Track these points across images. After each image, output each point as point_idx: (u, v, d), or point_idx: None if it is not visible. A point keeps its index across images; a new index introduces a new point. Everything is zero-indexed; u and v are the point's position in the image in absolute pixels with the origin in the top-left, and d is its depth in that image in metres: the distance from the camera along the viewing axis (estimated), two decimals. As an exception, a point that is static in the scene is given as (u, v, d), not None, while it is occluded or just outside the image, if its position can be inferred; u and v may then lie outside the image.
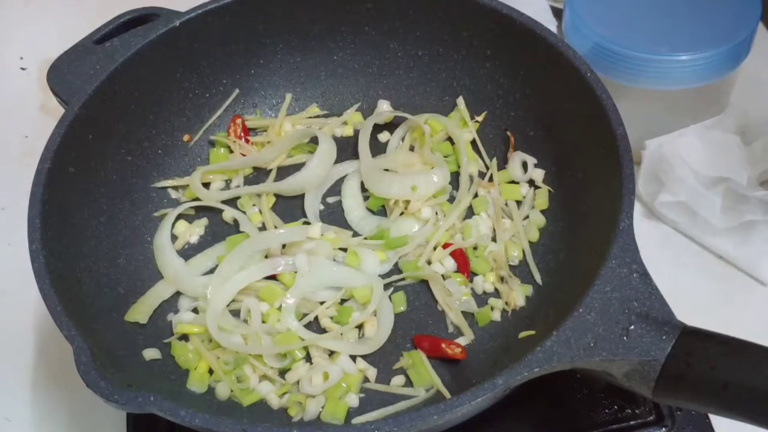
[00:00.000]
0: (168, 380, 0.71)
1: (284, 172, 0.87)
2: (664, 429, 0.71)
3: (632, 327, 0.59)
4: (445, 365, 0.73)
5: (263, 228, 0.82)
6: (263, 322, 0.75)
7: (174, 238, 0.82)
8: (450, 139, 0.87)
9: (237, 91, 0.90)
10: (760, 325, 0.80)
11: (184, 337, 0.75)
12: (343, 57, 0.91)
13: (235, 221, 0.82)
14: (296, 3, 0.86)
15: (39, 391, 0.79)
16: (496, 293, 0.78)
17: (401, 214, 0.82)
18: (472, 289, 0.78)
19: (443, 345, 0.72)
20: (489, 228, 0.81)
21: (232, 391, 0.71)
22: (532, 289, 0.77)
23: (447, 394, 0.69)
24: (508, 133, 0.86)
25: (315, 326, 0.76)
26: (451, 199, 0.83)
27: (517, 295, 0.76)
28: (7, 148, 1.00)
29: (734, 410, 0.56)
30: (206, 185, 0.85)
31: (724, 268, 0.85)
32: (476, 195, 0.83)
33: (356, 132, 0.89)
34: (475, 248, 0.80)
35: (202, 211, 0.84)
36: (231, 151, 0.88)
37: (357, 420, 0.69)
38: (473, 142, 0.87)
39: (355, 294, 0.76)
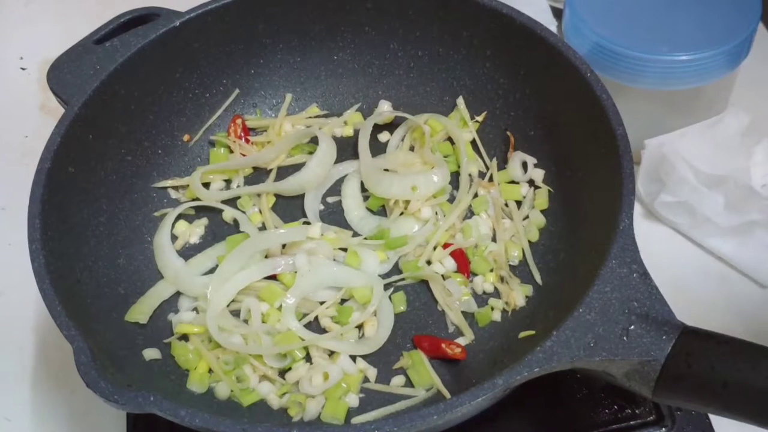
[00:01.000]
0: (168, 380, 0.71)
1: (284, 172, 0.87)
2: (664, 429, 0.71)
3: (632, 327, 0.59)
4: (445, 365, 0.73)
5: (263, 228, 0.82)
6: (263, 322, 0.75)
7: (174, 238, 0.82)
8: (450, 139, 0.87)
9: (237, 91, 0.90)
10: (760, 326, 0.80)
11: (184, 337, 0.75)
12: (343, 57, 0.91)
13: (235, 221, 0.82)
14: (296, 3, 0.86)
15: (39, 391, 0.79)
16: (496, 293, 0.78)
17: (401, 214, 0.82)
18: (472, 289, 0.78)
19: (443, 345, 0.72)
20: (489, 228, 0.81)
21: (232, 391, 0.71)
22: (532, 289, 0.77)
23: (447, 394, 0.69)
24: (508, 133, 0.86)
25: (315, 326, 0.76)
26: (451, 199, 0.83)
27: (517, 295, 0.76)
28: (7, 148, 1.00)
29: (734, 410, 0.56)
30: (206, 185, 0.86)
31: (724, 269, 0.85)
32: (476, 195, 0.83)
33: (356, 132, 0.89)
34: (475, 248, 0.80)
35: (202, 211, 0.84)
36: (231, 151, 0.88)
37: (357, 420, 0.69)
38: (473, 142, 0.87)
39: (355, 294, 0.76)
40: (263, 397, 0.71)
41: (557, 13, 0.99)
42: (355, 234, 0.82)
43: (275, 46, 0.89)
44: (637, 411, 0.72)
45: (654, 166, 0.86)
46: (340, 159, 0.87)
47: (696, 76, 0.83)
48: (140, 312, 0.75)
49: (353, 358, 0.73)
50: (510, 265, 0.79)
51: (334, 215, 0.84)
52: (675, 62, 0.81)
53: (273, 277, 0.78)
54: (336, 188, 0.86)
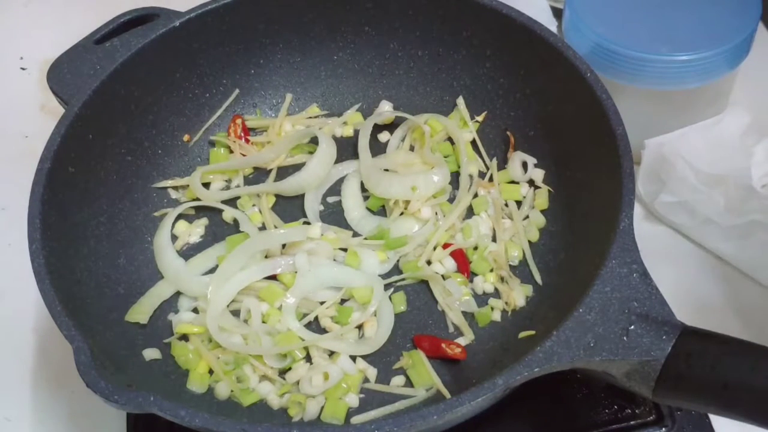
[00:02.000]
0: (168, 380, 0.71)
1: (284, 172, 0.87)
2: (664, 429, 0.71)
3: (632, 327, 0.59)
4: (445, 365, 0.73)
5: (263, 228, 0.82)
6: (263, 322, 0.75)
7: (174, 238, 0.82)
8: (450, 139, 0.87)
9: (237, 91, 0.90)
10: (760, 326, 0.80)
11: (184, 337, 0.75)
12: (343, 57, 0.91)
13: (235, 221, 0.82)
14: (296, 3, 0.86)
15: (39, 391, 0.79)
16: (496, 293, 0.78)
17: (401, 214, 0.82)
18: (472, 289, 0.78)
19: (443, 345, 0.72)
20: (489, 228, 0.81)
21: (232, 391, 0.71)
22: (532, 289, 0.77)
23: (447, 394, 0.69)
24: (508, 133, 0.86)
25: (315, 326, 0.76)
26: (451, 199, 0.83)
27: (517, 295, 0.76)
28: (7, 148, 1.00)
29: (734, 410, 0.56)
30: (206, 185, 0.86)
31: (724, 269, 0.85)
32: (476, 195, 0.83)
33: (356, 132, 0.89)
34: (475, 248, 0.80)
35: (202, 211, 0.85)
36: (231, 151, 0.88)
37: (356, 419, 0.69)
38: (473, 142, 0.87)
39: (355, 294, 0.76)
40: (263, 397, 0.71)
41: (557, 13, 0.99)
42: (355, 234, 0.82)
43: (275, 46, 0.89)
44: (637, 411, 0.72)
45: (654, 166, 0.86)
46: (340, 159, 0.87)
47: (696, 76, 0.83)
48: (140, 312, 0.75)
49: (353, 358, 0.73)
50: (510, 265, 0.79)
51: (334, 215, 0.84)
52: (675, 62, 0.81)
53: (273, 277, 0.78)
54: (336, 188, 0.86)
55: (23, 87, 1.08)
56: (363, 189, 0.85)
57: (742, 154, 0.85)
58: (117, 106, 0.79)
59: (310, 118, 0.91)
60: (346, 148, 0.88)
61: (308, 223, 0.82)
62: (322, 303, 0.76)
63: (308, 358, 0.73)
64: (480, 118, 0.87)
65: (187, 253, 0.82)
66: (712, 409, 0.59)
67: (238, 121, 0.89)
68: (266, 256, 0.79)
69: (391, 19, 0.87)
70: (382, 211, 0.84)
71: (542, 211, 0.81)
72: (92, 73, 0.78)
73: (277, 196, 0.85)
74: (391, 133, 0.89)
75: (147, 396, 0.57)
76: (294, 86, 0.92)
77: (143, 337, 0.74)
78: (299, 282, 0.76)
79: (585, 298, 0.60)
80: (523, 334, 0.71)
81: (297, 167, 0.86)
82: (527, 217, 0.81)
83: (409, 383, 0.72)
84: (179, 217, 0.83)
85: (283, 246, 0.79)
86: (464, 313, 0.76)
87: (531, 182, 0.84)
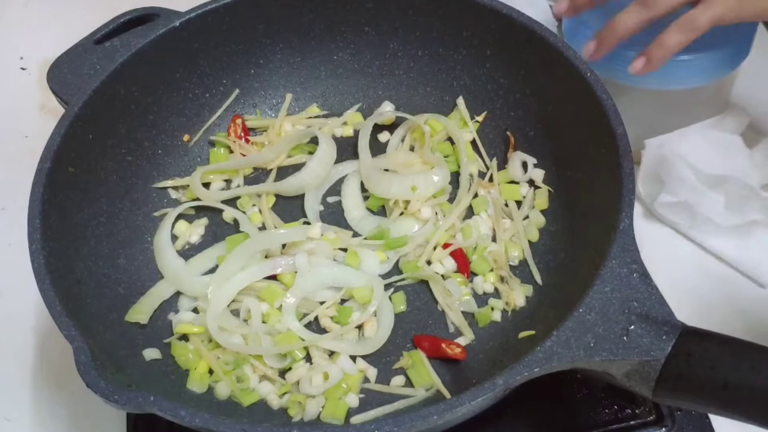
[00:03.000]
0: (168, 380, 0.71)
1: (284, 172, 0.87)
2: (664, 429, 0.71)
3: (632, 327, 0.59)
4: (445, 365, 0.73)
5: (263, 228, 0.82)
6: (263, 322, 0.75)
7: (174, 238, 0.82)
8: (450, 139, 0.87)
9: (237, 91, 0.90)
10: (761, 326, 0.80)
11: (184, 337, 0.75)
12: (343, 57, 0.91)
13: (235, 221, 0.82)
14: (296, 3, 0.86)
15: (39, 391, 0.79)
16: (496, 293, 0.78)
17: (401, 214, 0.82)
18: (472, 289, 0.78)
19: (443, 345, 0.72)
20: (489, 228, 0.81)
21: (232, 391, 0.71)
22: (532, 289, 0.77)
23: (447, 394, 0.69)
24: (508, 133, 0.86)
25: (315, 326, 0.76)
26: (451, 199, 0.83)
27: (517, 295, 0.76)
28: (7, 148, 1.00)
29: (734, 410, 0.56)
30: (206, 185, 0.85)
31: (724, 269, 0.85)
32: (476, 195, 0.83)
33: (356, 132, 0.89)
34: (475, 248, 0.80)
35: (202, 211, 0.84)
36: (231, 151, 0.88)
37: (356, 419, 0.69)
38: (473, 142, 0.87)
39: (355, 294, 0.76)
40: (263, 397, 0.71)
41: (557, 13, 0.99)
42: (355, 234, 0.82)
43: (275, 46, 0.89)
44: (637, 411, 0.72)
45: (654, 166, 0.86)
46: (340, 159, 0.87)
47: (696, 76, 0.83)
48: (140, 312, 0.75)
49: (353, 358, 0.73)
50: (510, 265, 0.79)
51: (334, 215, 0.84)
52: (675, 62, 0.80)
53: (273, 277, 0.78)
54: (336, 188, 0.86)
55: (23, 87, 1.08)
56: (363, 189, 0.85)
57: (742, 154, 0.85)
58: (117, 106, 0.79)
59: (310, 118, 0.91)
60: (346, 148, 0.88)
61: (308, 223, 0.82)
62: (322, 303, 0.76)
63: (308, 358, 0.73)
64: (480, 118, 0.87)
65: (187, 253, 0.82)
66: (712, 409, 0.59)
67: (238, 121, 0.89)
68: (266, 256, 0.79)
69: (391, 19, 0.87)
70: (382, 211, 0.84)
71: (542, 211, 0.81)
72: (92, 73, 0.78)
73: (277, 196, 0.85)
74: (391, 133, 0.89)
75: (147, 396, 0.57)
76: (294, 86, 0.92)
77: (143, 337, 0.74)
78: (299, 282, 0.76)
79: (585, 298, 0.60)
80: (523, 334, 0.71)
81: (297, 167, 0.86)
82: (527, 217, 0.81)
83: (409, 383, 0.72)
84: (179, 217, 0.83)
85: (283, 246, 0.79)
86: (464, 313, 0.76)
87: (531, 182, 0.84)
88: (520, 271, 0.78)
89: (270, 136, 0.89)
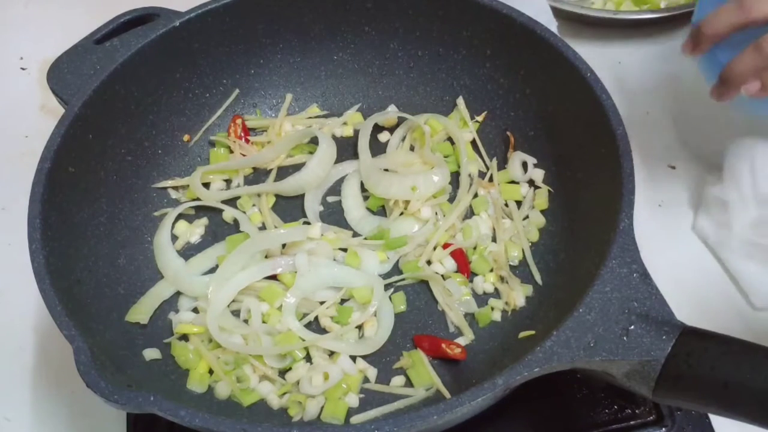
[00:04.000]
0: (168, 380, 0.72)
1: (284, 172, 0.87)
2: (664, 429, 0.71)
3: (632, 327, 0.59)
4: (445, 365, 0.73)
5: (263, 228, 0.82)
6: (264, 322, 0.75)
7: (174, 238, 0.82)
8: (450, 139, 0.87)
9: (237, 91, 0.90)
10: (760, 326, 0.80)
11: (184, 337, 0.75)
12: (343, 57, 0.91)
13: (235, 221, 0.82)
14: (296, 3, 0.86)
15: (39, 391, 0.79)
16: (496, 293, 0.78)
17: (401, 214, 0.82)
18: (472, 289, 0.78)
19: (443, 345, 0.72)
20: (489, 228, 0.81)
21: (232, 391, 0.71)
22: (532, 289, 0.77)
23: (447, 394, 0.69)
24: (508, 133, 0.86)
25: (315, 326, 0.76)
26: (451, 199, 0.83)
27: (517, 295, 0.76)
28: (7, 148, 1.00)
29: (734, 410, 0.56)
30: (206, 185, 0.85)
31: (724, 269, 0.85)
32: (476, 195, 0.83)
33: (356, 132, 0.89)
34: (475, 248, 0.80)
35: (202, 211, 0.84)
36: (231, 151, 0.88)
37: (356, 419, 0.69)
38: (473, 142, 0.87)
39: (355, 294, 0.76)
40: (263, 397, 0.71)
41: (557, 13, 0.99)
42: (355, 234, 0.82)
43: (275, 46, 0.89)
44: (637, 411, 0.72)
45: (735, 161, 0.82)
46: (340, 159, 0.87)
47: None
48: (140, 312, 0.75)
49: (353, 358, 0.73)
50: (510, 265, 0.79)
51: (334, 215, 0.84)
52: None
53: (273, 277, 0.78)
54: (336, 188, 0.86)
55: (23, 87, 1.08)
56: (363, 189, 0.85)
57: None
58: (117, 106, 0.79)
59: (310, 118, 0.91)
60: (346, 148, 0.88)
61: (308, 223, 0.82)
62: (322, 303, 0.76)
63: (308, 358, 0.73)
64: (480, 118, 0.87)
65: (187, 253, 0.81)
66: (712, 409, 0.59)
67: (238, 121, 0.89)
68: (266, 256, 0.79)
69: (391, 19, 0.87)
70: (382, 211, 0.84)
71: (542, 211, 0.81)
72: (92, 73, 0.78)
73: (277, 196, 0.85)
74: (391, 133, 0.89)
75: (147, 396, 0.57)
76: (294, 86, 0.92)
77: (143, 337, 0.74)
78: (299, 282, 0.76)
79: (585, 298, 0.60)
80: (523, 334, 0.71)
81: (297, 167, 0.86)
82: (527, 217, 0.81)
83: (409, 383, 0.72)
84: (179, 217, 0.83)
85: (283, 246, 0.79)
86: (464, 313, 0.76)
87: (531, 182, 0.84)
88: (520, 271, 0.79)
89: (270, 136, 0.89)
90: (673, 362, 0.57)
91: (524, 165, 0.84)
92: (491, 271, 0.78)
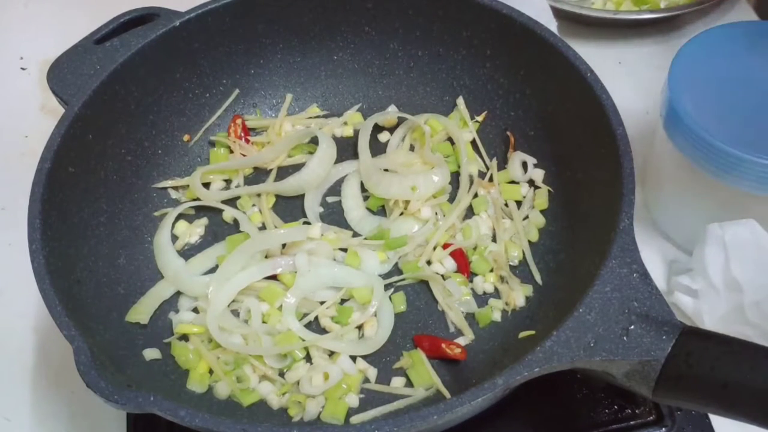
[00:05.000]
0: (168, 380, 0.72)
1: (284, 172, 0.87)
2: (664, 429, 0.71)
3: (632, 327, 0.59)
4: (445, 365, 0.73)
5: (263, 228, 0.82)
6: (264, 322, 0.75)
7: (174, 238, 0.82)
8: (450, 139, 0.87)
9: (237, 91, 0.90)
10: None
11: (184, 337, 0.75)
12: (343, 57, 0.91)
13: (235, 221, 0.82)
14: (296, 3, 0.86)
15: (39, 391, 0.79)
16: (496, 293, 0.78)
17: (401, 214, 0.82)
18: (472, 289, 0.78)
19: (443, 345, 0.72)
20: (489, 228, 0.81)
21: (232, 391, 0.71)
22: (532, 289, 0.77)
23: (447, 394, 0.69)
24: (508, 133, 0.86)
25: (315, 326, 0.76)
26: (451, 199, 0.83)
27: (517, 295, 0.76)
28: (7, 148, 1.00)
29: (734, 410, 0.56)
30: (206, 185, 0.86)
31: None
32: (476, 195, 0.83)
33: (356, 132, 0.89)
34: (475, 248, 0.80)
35: (202, 211, 0.84)
36: (231, 151, 0.88)
37: (356, 419, 0.69)
38: (473, 142, 0.87)
39: (355, 294, 0.76)
40: (263, 397, 0.71)
41: (557, 13, 0.99)
42: (355, 234, 0.82)
43: (275, 46, 0.89)
44: (637, 411, 0.72)
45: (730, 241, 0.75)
46: (340, 159, 0.87)
47: None
48: (140, 312, 0.75)
49: (353, 358, 0.73)
50: (510, 265, 0.79)
51: (334, 215, 0.84)
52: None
53: (273, 277, 0.78)
54: (336, 188, 0.86)
55: (23, 87, 1.08)
56: (363, 189, 0.85)
57: None
58: (117, 106, 0.79)
59: (310, 118, 0.91)
60: (346, 148, 0.88)
61: (308, 223, 0.82)
62: (322, 303, 0.76)
63: (308, 358, 0.73)
64: (480, 118, 0.87)
65: (187, 253, 0.81)
66: (712, 409, 0.59)
67: (238, 121, 0.89)
68: (266, 256, 0.79)
69: (391, 19, 0.87)
70: (382, 211, 0.84)
71: (542, 211, 0.81)
72: (92, 73, 0.78)
73: (277, 196, 0.85)
74: (391, 133, 0.89)
75: (147, 396, 0.57)
76: (294, 86, 0.92)
77: (143, 337, 0.74)
78: (299, 282, 0.76)
79: (585, 298, 0.60)
80: (523, 334, 0.71)
81: (297, 167, 0.86)
82: (527, 217, 0.81)
83: (409, 383, 0.72)
84: (179, 217, 0.83)
85: (283, 246, 0.79)
86: (464, 313, 0.76)
87: (531, 182, 0.84)
88: (520, 271, 0.79)
89: (270, 136, 0.89)
90: (673, 362, 0.57)
91: (524, 165, 0.84)
92: (491, 271, 0.78)
